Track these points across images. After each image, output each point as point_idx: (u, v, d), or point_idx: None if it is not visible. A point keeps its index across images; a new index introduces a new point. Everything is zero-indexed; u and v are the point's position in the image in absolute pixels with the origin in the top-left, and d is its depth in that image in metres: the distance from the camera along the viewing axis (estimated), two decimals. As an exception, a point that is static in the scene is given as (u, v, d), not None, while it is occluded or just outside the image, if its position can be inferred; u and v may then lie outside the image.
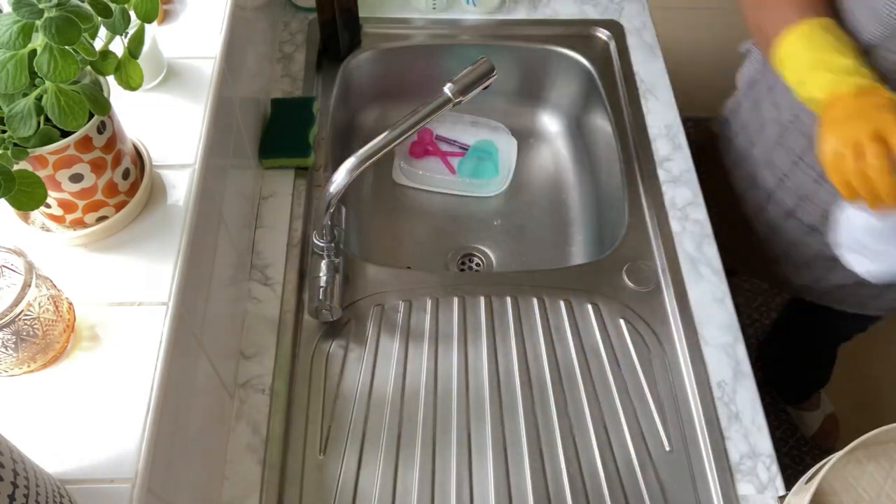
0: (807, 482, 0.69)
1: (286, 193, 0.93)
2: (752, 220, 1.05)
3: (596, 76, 1.11)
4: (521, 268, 1.06)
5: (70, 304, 0.56)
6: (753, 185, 1.02)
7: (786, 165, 0.93)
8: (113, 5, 0.52)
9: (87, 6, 0.50)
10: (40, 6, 0.46)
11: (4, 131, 0.49)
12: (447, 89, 0.74)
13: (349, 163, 0.72)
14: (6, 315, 0.47)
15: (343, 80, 1.10)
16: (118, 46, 0.56)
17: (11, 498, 0.38)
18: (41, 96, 0.49)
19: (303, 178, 0.95)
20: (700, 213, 0.95)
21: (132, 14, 0.54)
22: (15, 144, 0.50)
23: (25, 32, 0.47)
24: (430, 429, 0.78)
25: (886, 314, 1.08)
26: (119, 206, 0.61)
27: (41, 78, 0.48)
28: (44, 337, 0.51)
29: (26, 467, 0.40)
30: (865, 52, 0.74)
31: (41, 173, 0.53)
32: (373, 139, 0.73)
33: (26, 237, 0.60)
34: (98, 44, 0.55)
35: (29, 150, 0.51)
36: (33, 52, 0.48)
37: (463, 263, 1.07)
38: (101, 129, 0.56)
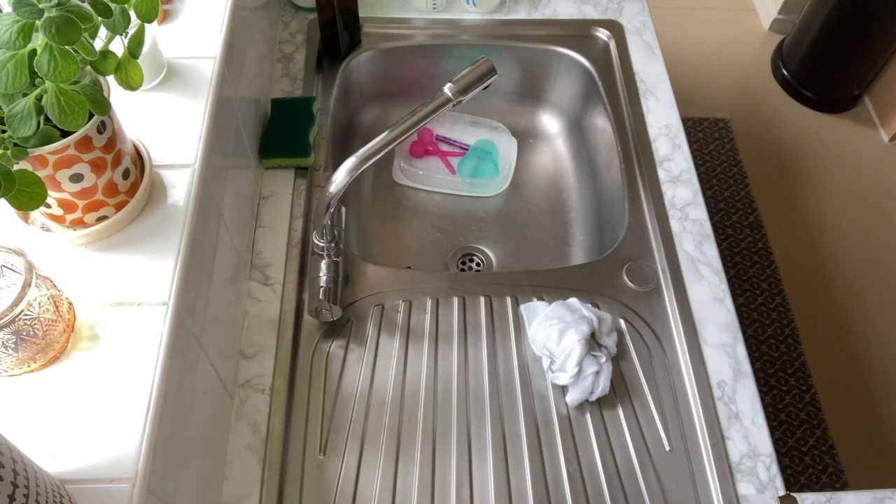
0: None
1: (286, 193, 0.93)
2: None
3: (596, 76, 1.11)
4: (521, 268, 1.06)
5: (70, 304, 0.56)
6: None
7: None
8: (113, 5, 0.52)
9: (87, 6, 0.50)
10: (40, 6, 0.46)
11: (4, 131, 0.49)
12: (447, 89, 0.74)
13: (349, 163, 0.72)
14: (6, 315, 0.47)
15: (343, 80, 1.10)
16: (118, 46, 0.56)
17: (11, 498, 0.38)
18: (41, 96, 0.49)
19: (303, 178, 0.95)
20: (700, 213, 0.95)
21: (132, 14, 0.54)
22: (15, 144, 0.50)
23: (25, 32, 0.47)
24: (430, 429, 0.78)
25: None
26: (119, 206, 0.61)
27: (41, 78, 0.48)
28: (44, 337, 0.51)
29: (26, 467, 0.40)
30: None
31: (41, 173, 0.53)
32: (373, 139, 0.73)
33: (26, 237, 0.60)
34: (98, 44, 0.54)
35: (29, 150, 0.51)
36: (33, 52, 0.48)
37: (463, 263, 1.07)
38: (101, 129, 0.56)
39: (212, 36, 0.77)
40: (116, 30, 0.53)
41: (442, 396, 0.80)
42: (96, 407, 0.52)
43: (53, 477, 0.46)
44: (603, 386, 0.78)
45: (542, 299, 0.87)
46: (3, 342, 0.49)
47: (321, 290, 0.80)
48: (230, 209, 0.77)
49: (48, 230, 0.60)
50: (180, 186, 0.64)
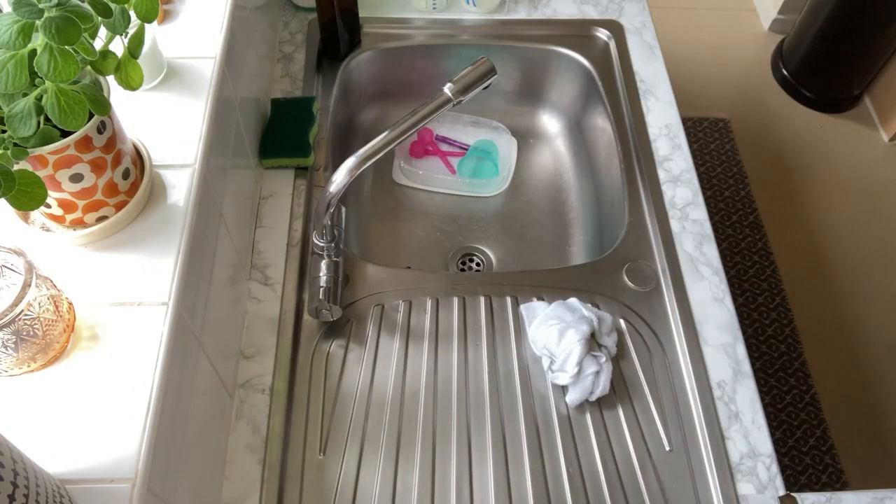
0: None
1: (286, 193, 0.93)
2: None
3: (596, 76, 1.11)
4: (521, 268, 1.06)
5: (70, 304, 0.56)
6: None
7: None
8: (113, 5, 0.52)
9: (87, 6, 0.50)
10: (40, 6, 0.46)
11: (4, 131, 0.49)
12: (447, 89, 0.74)
13: (349, 163, 0.72)
14: (6, 315, 0.47)
15: (343, 80, 1.10)
16: (118, 46, 0.56)
17: (11, 498, 0.38)
18: (41, 96, 0.49)
19: (303, 178, 0.95)
20: (700, 213, 0.95)
21: (132, 14, 0.54)
22: (15, 144, 0.50)
23: (25, 32, 0.47)
24: (430, 428, 0.78)
25: None
26: (119, 206, 0.61)
27: (41, 78, 0.48)
28: (44, 337, 0.51)
29: (26, 467, 0.40)
30: None
31: (41, 173, 0.53)
32: (373, 139, 0.73)
33: (26, 237, 0.60)
34: (98, 44, 0.54)
35: (29, 150, 0.51)
36: (33, 52, 0.48)
37: (463, 263, 1.07)
38: (101, 129, 0.56)
39: (212, 36, 0.77)
40: (116, 30, 0.53)
41: (442, 396, 0.80)
42: (96, 407, 0.52)
43: (53, 477, 0.46)
44: (603, 386, 0.78)
45: (542, 299, 0.87)
46: (3, 342, 0.49)
47: (321, 290, 0.80)
48: (230, 209, 0.77)
49: (48, 230, 0.60)
50: (180, 186, 0.64)
